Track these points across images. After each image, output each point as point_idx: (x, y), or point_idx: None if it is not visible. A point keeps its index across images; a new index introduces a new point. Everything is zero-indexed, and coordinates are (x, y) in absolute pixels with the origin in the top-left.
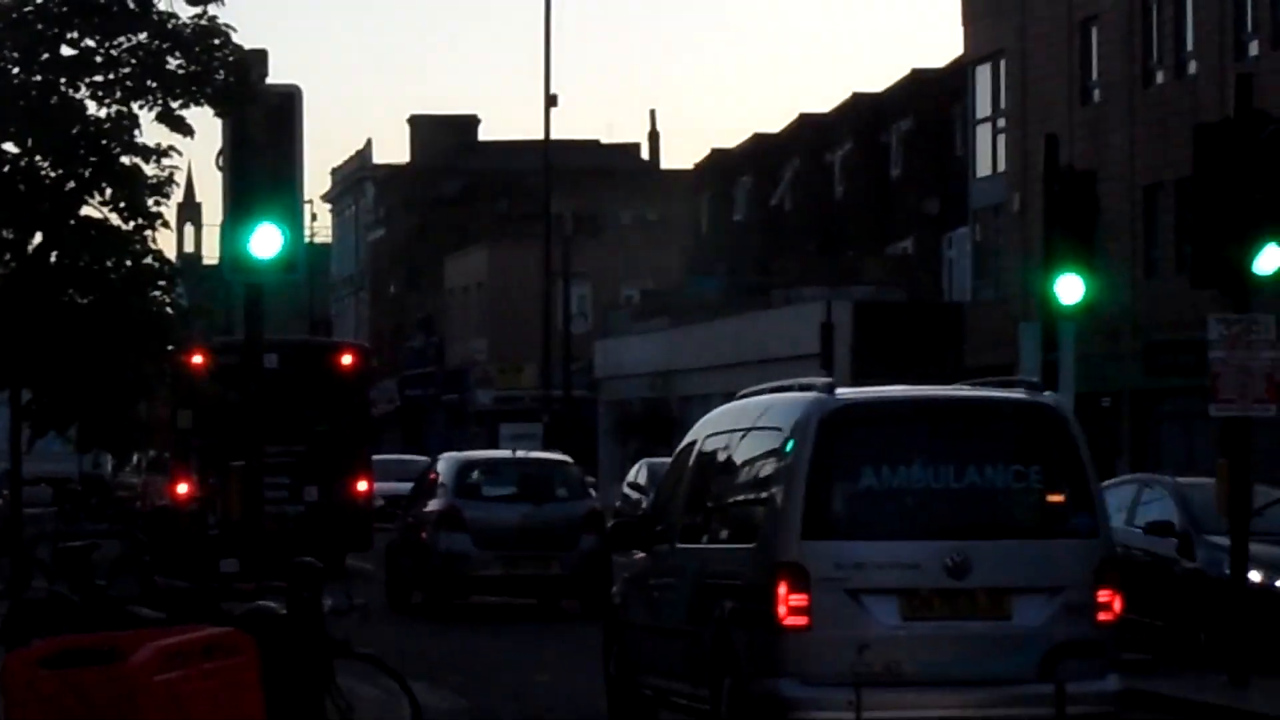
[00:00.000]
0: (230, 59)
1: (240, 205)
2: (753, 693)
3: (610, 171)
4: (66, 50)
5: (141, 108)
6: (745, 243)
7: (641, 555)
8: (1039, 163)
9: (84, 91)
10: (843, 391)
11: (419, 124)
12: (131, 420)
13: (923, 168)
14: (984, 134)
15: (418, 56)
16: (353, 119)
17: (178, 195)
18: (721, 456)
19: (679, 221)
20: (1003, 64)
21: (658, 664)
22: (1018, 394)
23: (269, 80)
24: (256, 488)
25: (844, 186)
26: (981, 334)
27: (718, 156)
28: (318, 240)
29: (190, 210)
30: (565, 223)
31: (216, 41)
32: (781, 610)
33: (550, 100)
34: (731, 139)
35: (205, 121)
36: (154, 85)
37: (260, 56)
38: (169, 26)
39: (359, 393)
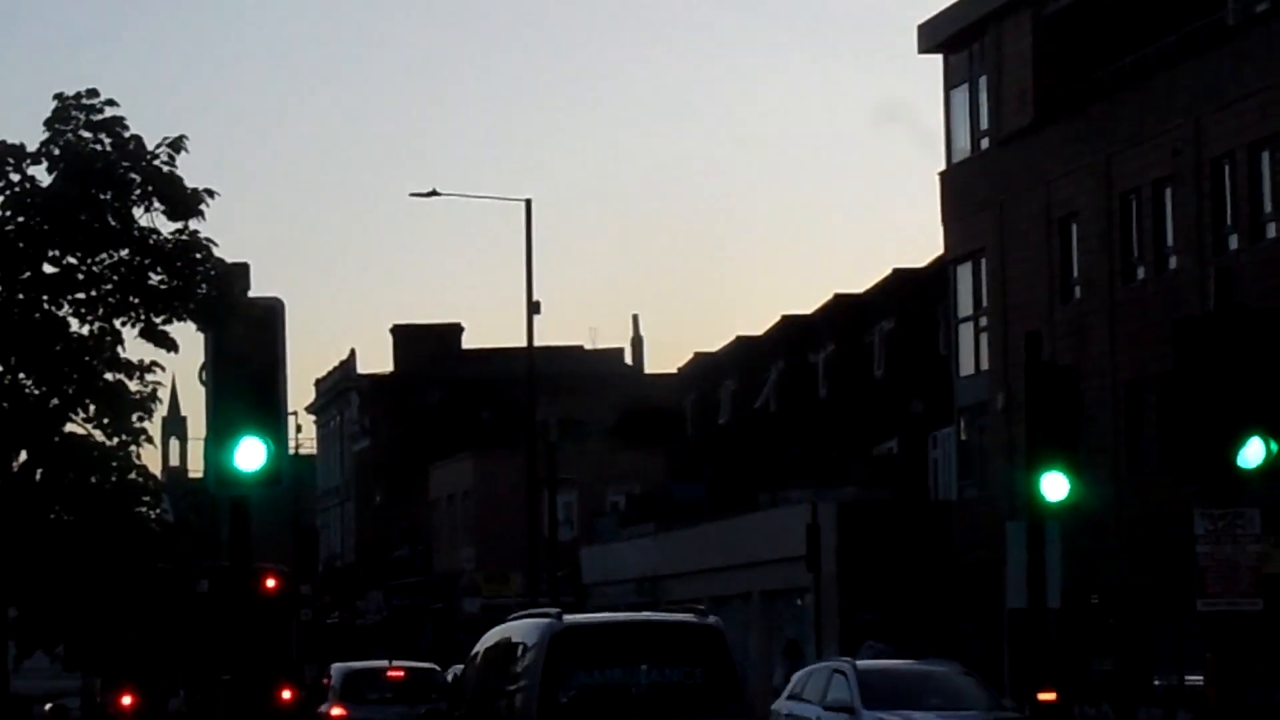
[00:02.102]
0: (212, 273)
1: (223, 419)
2: None
3: (594, 377)
4: (48, 268)
5: (124, 324)
6: (730, 445)
7: None
8: (1022, 360)
9: (66, 309)
10: (568, 617)
11: (402, 334)
12: (121, 638)
13: (906, 367)
14: (966, 332)
15: (399, 266)
16: (336, 330)
17: (162, 409)
18: (492, 662)
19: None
20: (983, 262)
21: None
22: (688, 617)
23: (251, 293)
24: (249, 701)
25: (828, 387)
26: (968, 532)
27: (701, 360)
28: (303, 452)
29: (175, 424)
30: (550, 429)
31: (198, 256)
32: None
33: (533, 307)
34: (714, 342)
35: (188, 334)
36: (136, 301)
37: (242, 270)
38: (150, 242)
39: (283, 610)
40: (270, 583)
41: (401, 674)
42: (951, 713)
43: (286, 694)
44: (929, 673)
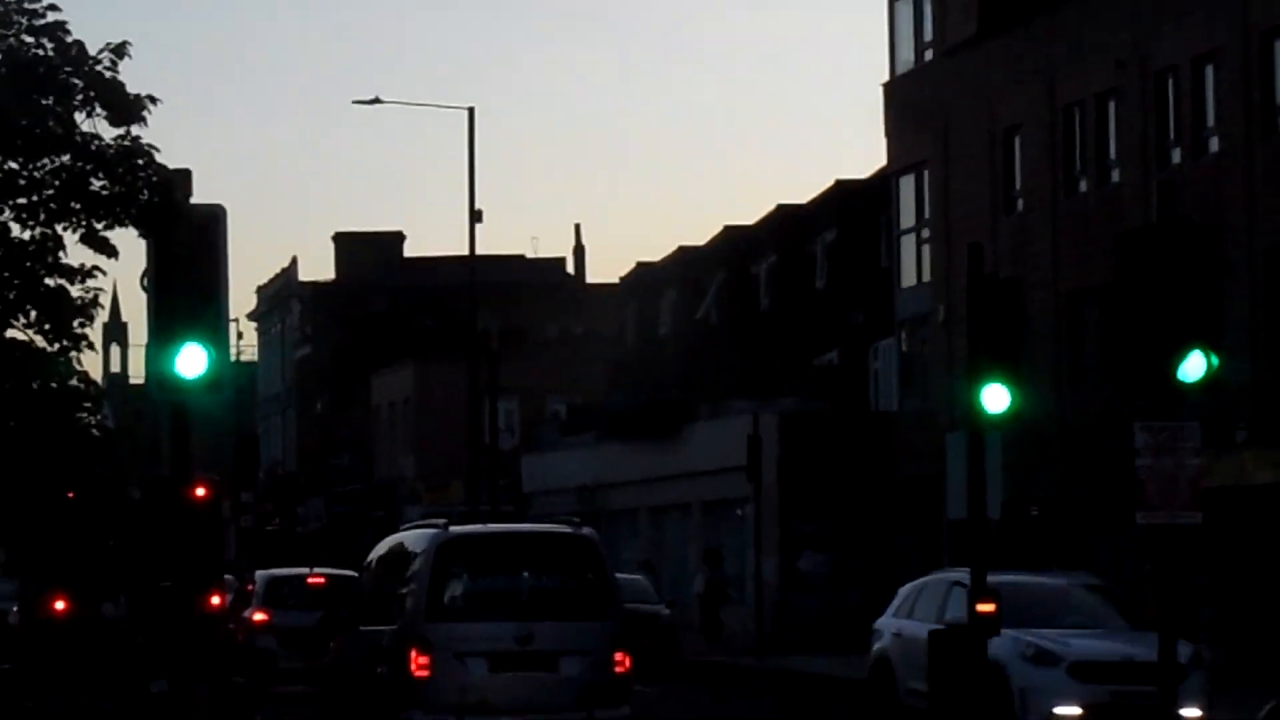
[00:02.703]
0: (154, 179)
1: (165, 325)
2: None
3: (536, 286)
4: None
5: (65, 229)
6: (671, 356)
7: (342, 636)
8: (963, 272)
9: (7, 214)
10: (454, 528)
11: (344, 241)
12: (56, 544)
13: (848, 279)
14: (909, 244)
15: (342, 174)
16: (278, 237)
17: (103, 316)
18: (385, 569)
19: (605, 335)
20: (926, 174)
21: (348, 707)
22: (564, 528)
23: (193, 200)
24: (187, 608)
25: (769, 298)
26: (909, 444)
27: (642, 270)
28: (244, 359)
29: (116, 331)
30: (491, 338)
31: (140, 162)
32: (413, 667)
33: (475, 216)
34: (656, 252)
35: (130, 241)
36: (78, 207)
37: (184, 176)
38: (92, 148)
39: (213, 518)
40: (200, 491)
41: (322, 580)
42: (1090, 631)
43: (215, 600)
44: (1060, 587)
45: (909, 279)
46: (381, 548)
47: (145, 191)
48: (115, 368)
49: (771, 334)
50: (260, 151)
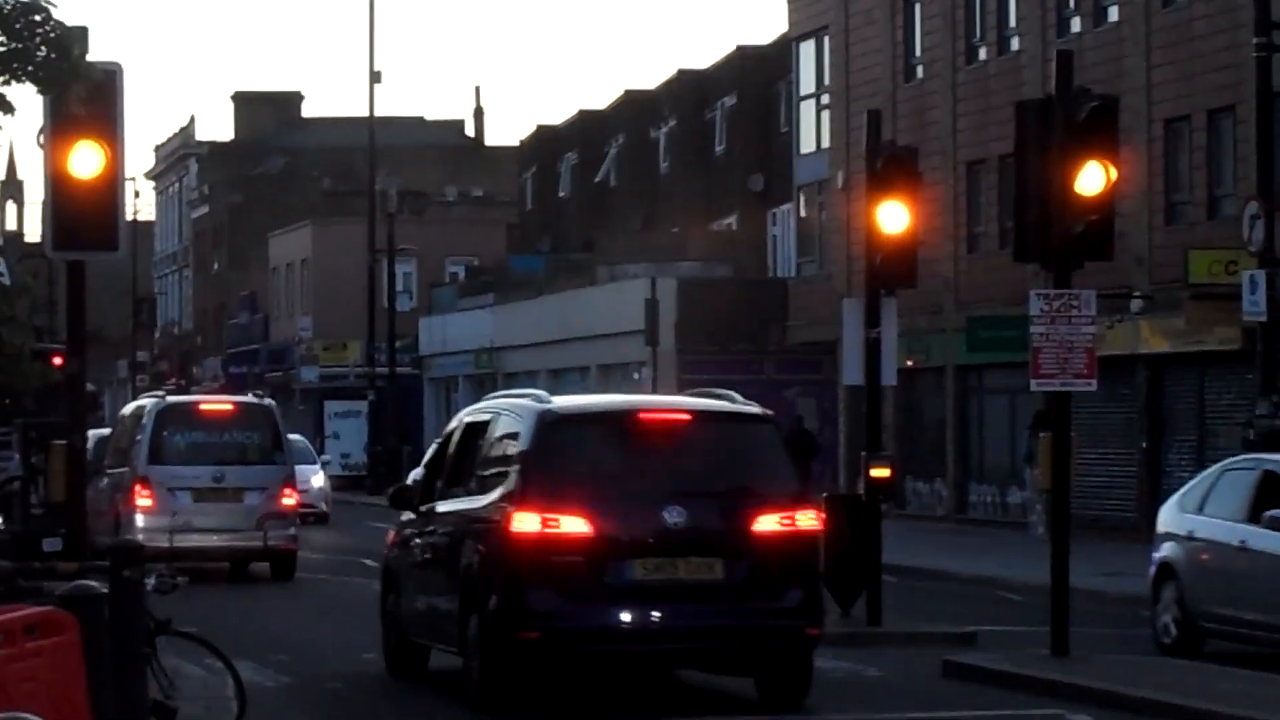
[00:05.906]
0: (52, 35)
1: (61, 181)
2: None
3: (435, 148)
4: None
5: None
6: (570, 219)
7: (96, 477)
8: (862, 139)
9: None
10: (170, 398)
11: (242, 101)
12: None
13: (748, 144)
14: (808, 110)
15: (241, 33)
16: (176, 96)
17: None
18: (125, 427)
19: (504, 198)
20: (826, 40)
21: (101, 529)
22: (252, 399)
23: (90, 58)
24: (79, 467)
25: (669, 163)
26: (806, 310)
27: (543, 133)
28: (141, 218)
29: (11, 188)
30: (389, 200)
31: (37, 18)
32: (137, 498)
33: (374, 77)
34: (557, 115)
35: (26, 98)
36: None
37: (81, 33)
38: None
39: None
40: (58, 361)
41: None
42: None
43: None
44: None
45: (808, 145)
46: (125, 410)
47: (43, 48)
48: (11, 225)
49: (670, 198)
50: (158, 8)
